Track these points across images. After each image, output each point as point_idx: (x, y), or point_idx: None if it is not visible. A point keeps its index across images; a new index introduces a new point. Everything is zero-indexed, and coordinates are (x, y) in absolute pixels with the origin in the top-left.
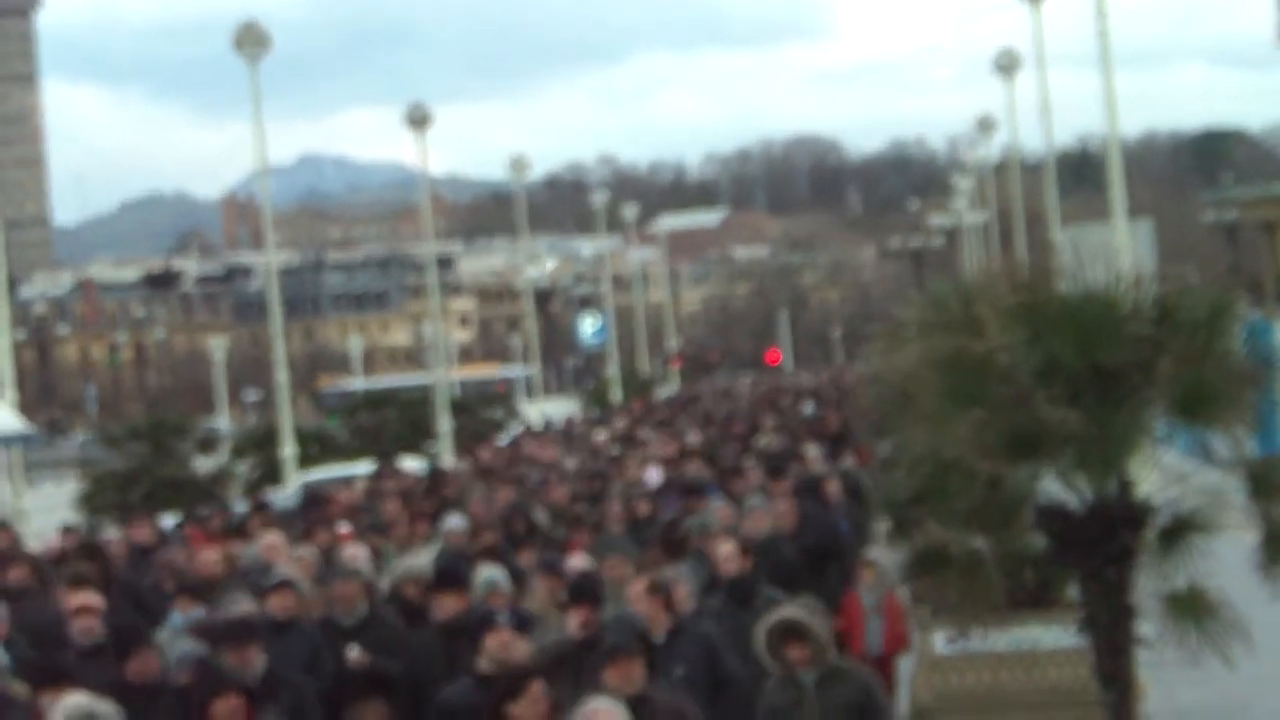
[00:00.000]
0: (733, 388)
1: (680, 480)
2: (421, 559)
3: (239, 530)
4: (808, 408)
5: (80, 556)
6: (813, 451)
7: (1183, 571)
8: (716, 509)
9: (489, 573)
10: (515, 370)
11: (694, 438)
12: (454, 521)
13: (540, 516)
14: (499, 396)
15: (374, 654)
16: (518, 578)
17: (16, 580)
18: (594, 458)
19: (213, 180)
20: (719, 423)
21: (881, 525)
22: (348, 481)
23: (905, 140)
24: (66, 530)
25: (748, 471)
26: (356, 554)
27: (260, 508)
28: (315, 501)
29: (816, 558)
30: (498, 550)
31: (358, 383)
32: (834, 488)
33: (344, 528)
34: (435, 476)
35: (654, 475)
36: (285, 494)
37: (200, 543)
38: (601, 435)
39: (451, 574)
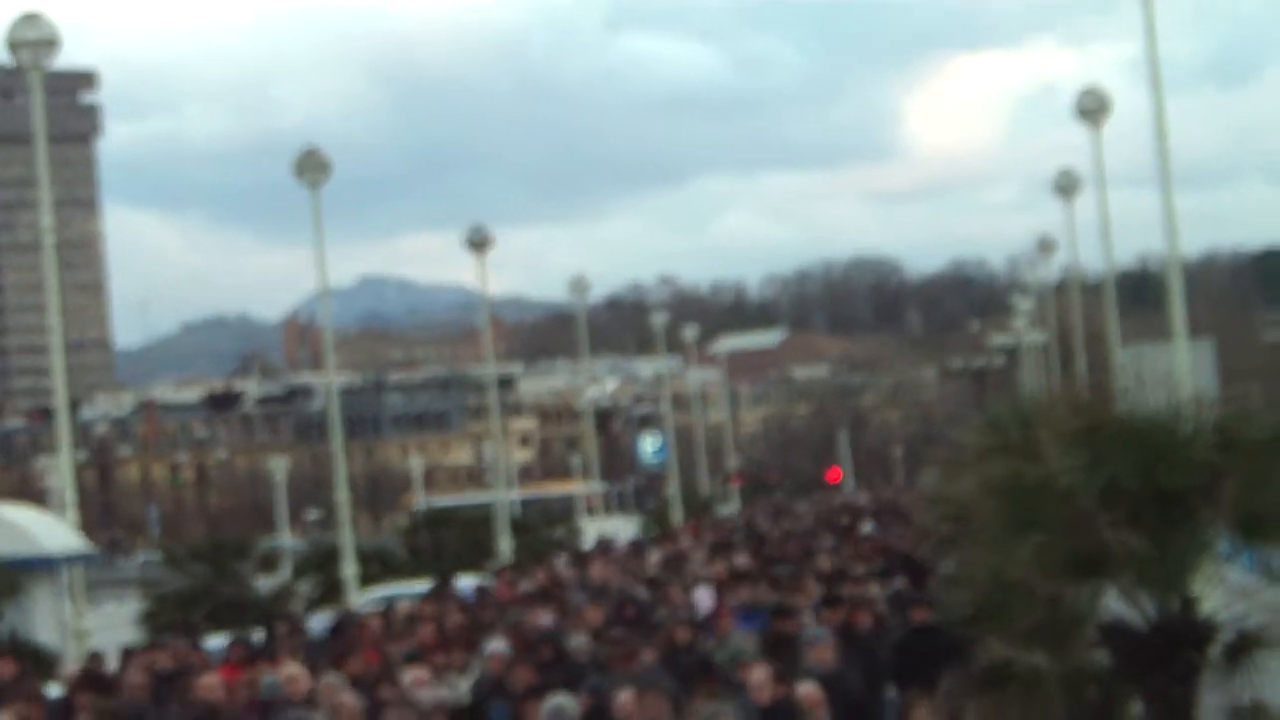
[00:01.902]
0: (791, 507)
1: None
2: (449, 691)
3: (267, 655)
4: (866, 528)
5: (86, 689)
6: (860, 571)
7: (1247, 689)
8: (745, 635)
9: (555, 701)
10: (595, 486)
11: (742, 559)
12: (494, 646)
13: (579, 641)
14: (561, 516)
15: None
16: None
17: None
18: (636, 580)
19: (274, 302)
20: (775, 543)
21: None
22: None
23: (966, 260)
24: (92, 656)
25: (803, 591)
26: (418, 676)
27: (292, 633)
28: (347, 626)
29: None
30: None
31: (445, 500)
32: (864, 618)
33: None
34: (480, 598)
35: (704, 597)
36: (319, 618)
37: (230, 671)
38: (655, 556)
39: (474, 711)
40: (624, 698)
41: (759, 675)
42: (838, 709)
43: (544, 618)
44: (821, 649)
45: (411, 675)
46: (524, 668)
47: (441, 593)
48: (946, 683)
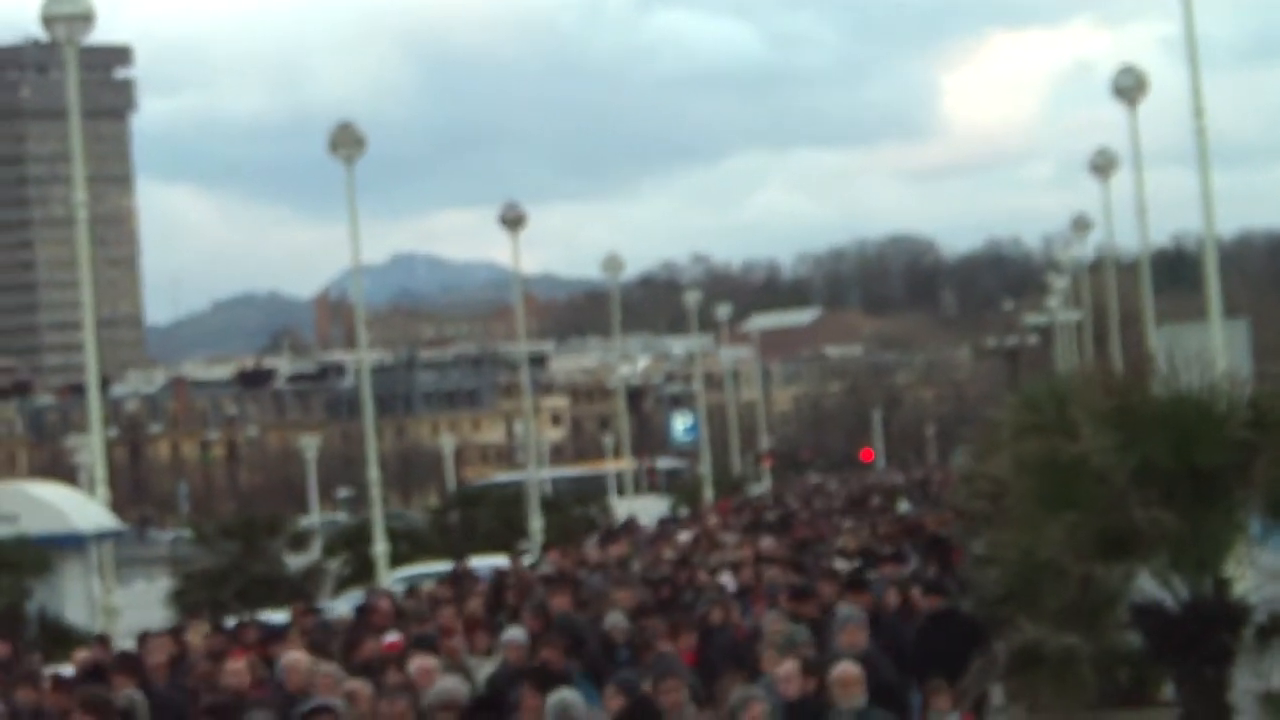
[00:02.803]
0: (822, 486)
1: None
2: (470, 676)
3: (282, 638)
4: (902, 507)
5: (118, 670)
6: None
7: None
8: (769, 620)
9: (562, 695)
10: (668, 461)
11: (768, 543)
12: (514, 633)
13: (617, 620)
14: (593, 494)
15: None
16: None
17: (26, 700)
18: (659, 562)
19: (306, 279)
20: (805, 524)
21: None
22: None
23: (1000, 239)
24: (99, 640)
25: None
26: (425, 665)
27: (306, 614)
28: (368, 610)
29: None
30: (561, 671)
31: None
32: (891, 597)
33: (392, 637)
34: (500, 580)
35: (728, 581)
36: (335, 602)
37: (239, 653)
38: (684, 536)
39: (487, 705)
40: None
41: (788, 668)
42: (871, 692)
43: (561, 602)
44: (853, 631)
45: (417, 664)
46: (553, 649)
47: (461, 574)
48: (971, 670)
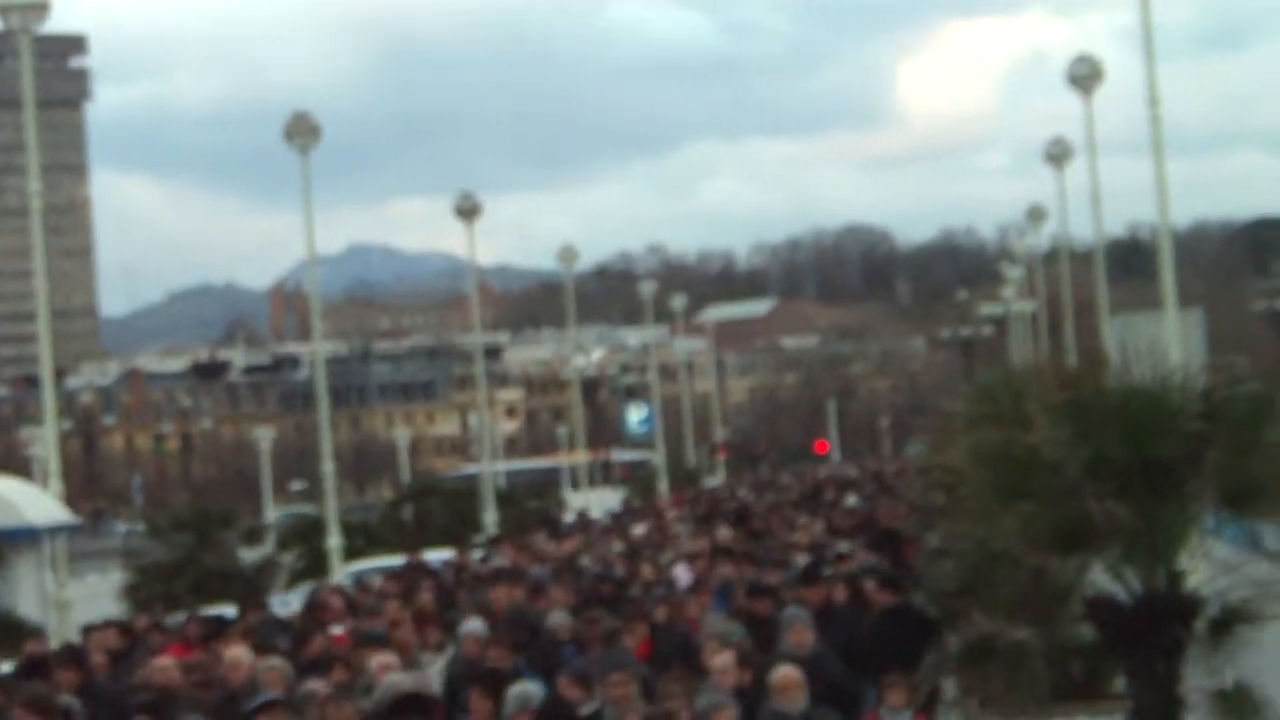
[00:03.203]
0: (776, 479)
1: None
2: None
3: (227, 634)
4: (850, 501)
5: (61, 664)
6: (846, 549)
7: (1231, 664)
8: (709, 621)
9: (520, 688)
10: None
11: (725, 533)
12: (472, 626)
13: (559, 619)
14: (548, 487)
15: None
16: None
17: None
18: (606, 556)
19: (261, 270)
20: (760, 516)
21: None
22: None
23: (955, 229)
24: (34, 637)
25: (777, 572)
26: (385, 662)
27: (254, 609)
28: (316, 606)
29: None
30: (508, 671)
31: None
32: (840, 592)
33: (337, 630)
34: (448, 574)
35: (683, 574)
36: (288, 596)
37: (178, 649)
38: (639, 529)
39: (418, 702)
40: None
41: (724, 659)
42: (817, 692)
43: (512, 595)
44: (799, 631)
45: (378, 660)
46: (500, 649)
47: (412, 568)
48: (924, 665)
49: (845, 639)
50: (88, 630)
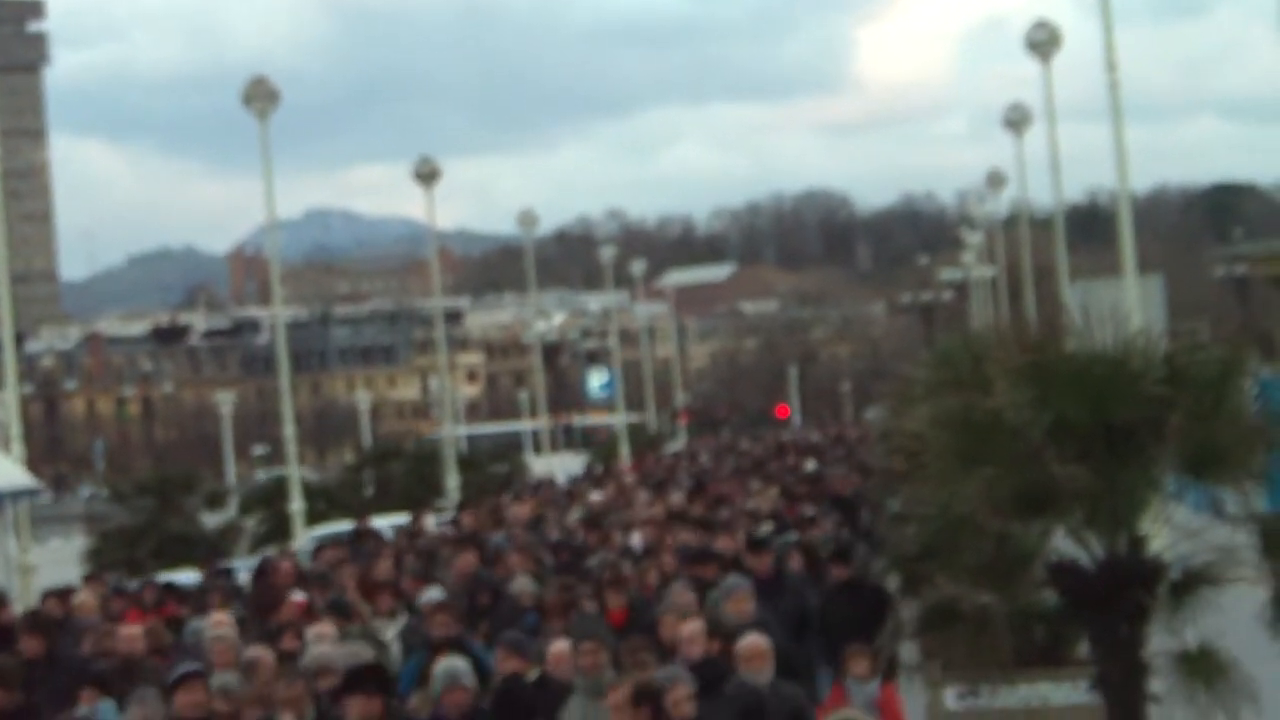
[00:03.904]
0: (736, 444)
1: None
2: (378, 639)
3: (193, 602)
4: (809, 466)
5: (28, 631)
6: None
7: (1193, 628)
8: (676, 592)
9: (447, 664)
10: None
11: (678, 499)
12: (431, 595)
13: (524, 584)
14: (507, 452)
15: None
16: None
17: None
18: (562, 522)
19: (221, 234)
20: (717, 482)
21: (891, 582)
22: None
23: (915, 194)
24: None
25: (726, 537)
26: (323, 632)
27: (219, 575)
28: (268, 571)
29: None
30: (458, 640)
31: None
32: (795, 560)
33: (298, 596)
34: (410, 539)
35: (636, 540)
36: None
37: (134, 616)
38: (597, 495)
39: (362, 675)
40: (557, 648)
41: (693, 628)
42: None
43: (467, 562)
44: (738, 599)
45: (315, 630)
46: (445, 616)
47: (362, 533)
48: (882, 636)
49: (798, 609)
50: (46, 595)
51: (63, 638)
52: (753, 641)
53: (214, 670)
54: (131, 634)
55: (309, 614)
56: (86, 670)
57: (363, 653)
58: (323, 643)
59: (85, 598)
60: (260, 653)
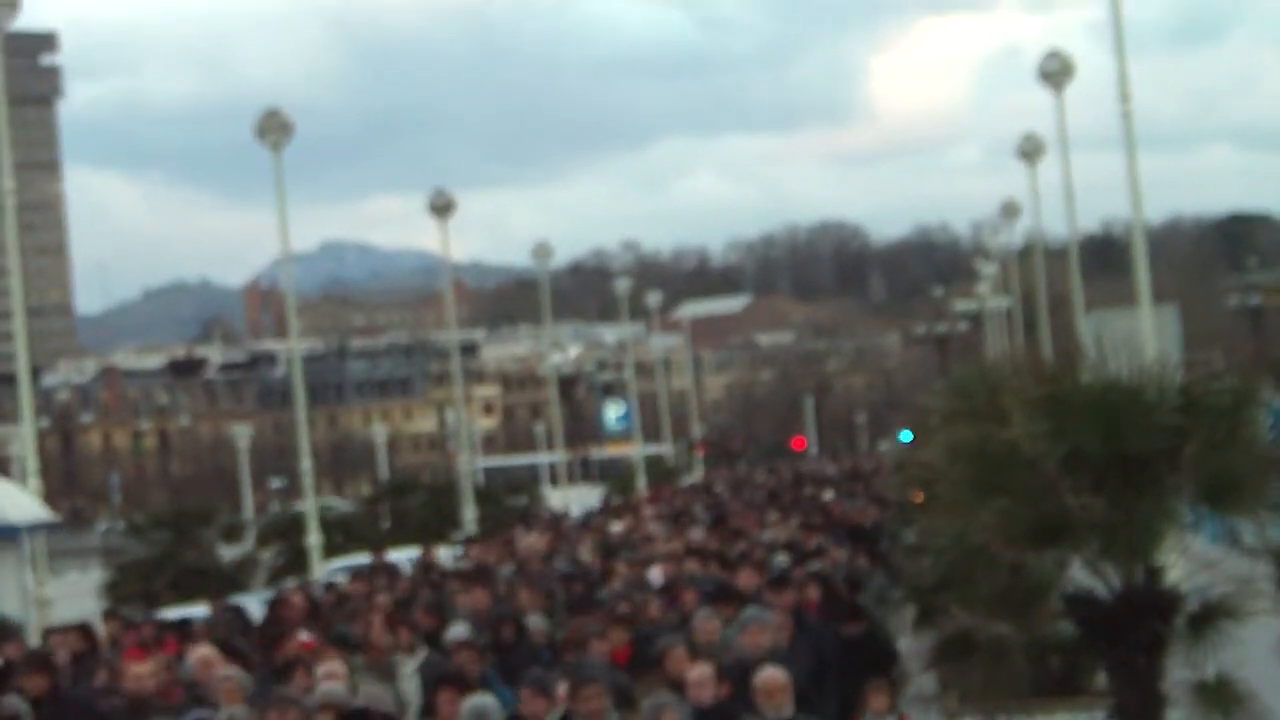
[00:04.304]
0: (752, 476)
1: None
2: (394, 674)
3: (191, 635)
4: (827, 496)
5: (30, 669)
6: (828, 547)
7: (1212, 659)
8: (701, 619)
9: (476, 702)
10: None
11: (697, 533)
12: (458, 631)
13: (536, 622)
14: (525, 484)
15: None
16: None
17: None
18: (572, 555)
19: (236, 267)
20: (735, 514)
21: (907, 613)
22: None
23: (929, 225)
24: (14, 638)
25: (747, 572)
26: (334, 671)
27: (228, 611)
28: (280, 606)
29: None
30: (481, 676)
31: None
32: (812, 593)
33: (304, 636)
34: (424, 573)
35: (656, 576)
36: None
37: (136, 653)
38: (615, 527)
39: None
40: (561, 690)
41: (701, 672)
42: None
43: (476, 597)
44: (755, 632)
45: (325, 668)
46: (469, 653)
47: (377, 567)
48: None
49: (817, 646)
50: (48, 633)
51: (78, 674)
52: (770, 675)
53: (221, 709)
54: (140, 672)
55: (320, 650)
56: (91, 711)
57: (382, 695)
58: (332, 680)
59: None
60: (231, 671)
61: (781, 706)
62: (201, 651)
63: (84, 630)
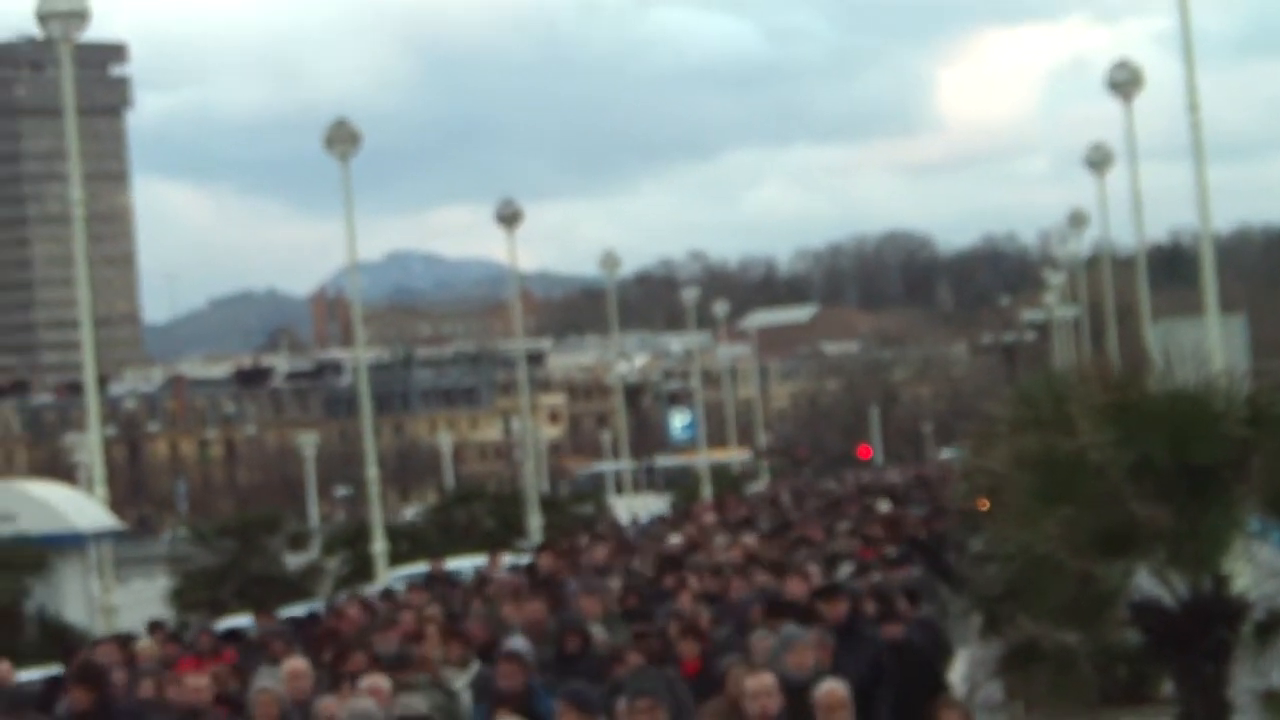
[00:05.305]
0: (817, 485)
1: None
2: (446, 688)
3: (253, 649)
4: (883, 507)
5: (76, 682)
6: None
7: (1279, 667)
8: (759, 640)
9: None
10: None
11: (751, 540)
12: (515, 643)
13: (597, 632)
14: (590, 493)
15: None
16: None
17: None
18: (633, 565)
19: (303, 277)
20: (798, 524)
21: (974, 622)
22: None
23: (997, 235)
24: (71, 645)
25: (795, 580)
26: (377, 686)
27: (279, 623)
28: (335, 617)
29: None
30: (528, 693)
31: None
32: (869, 606)
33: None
34: (479, 584)
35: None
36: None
37: (189, 664)
38: (676, 537)
39: None
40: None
41: (764, 682)
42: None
43: (536, 609)
44: (800, 652)
45: (369, 683)
46: (512, 666)
47: (436, 577)
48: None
49: (872, 659)
50: (95, 645)
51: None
52: (830, 689)
53: None
54: (197, 685)
55: (376, 663)
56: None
57: (415, 705)
58: (373, 696)
59: (146, 645)
60: (269, 683)
61: None
62: (294, 664)
63: (120, 641)
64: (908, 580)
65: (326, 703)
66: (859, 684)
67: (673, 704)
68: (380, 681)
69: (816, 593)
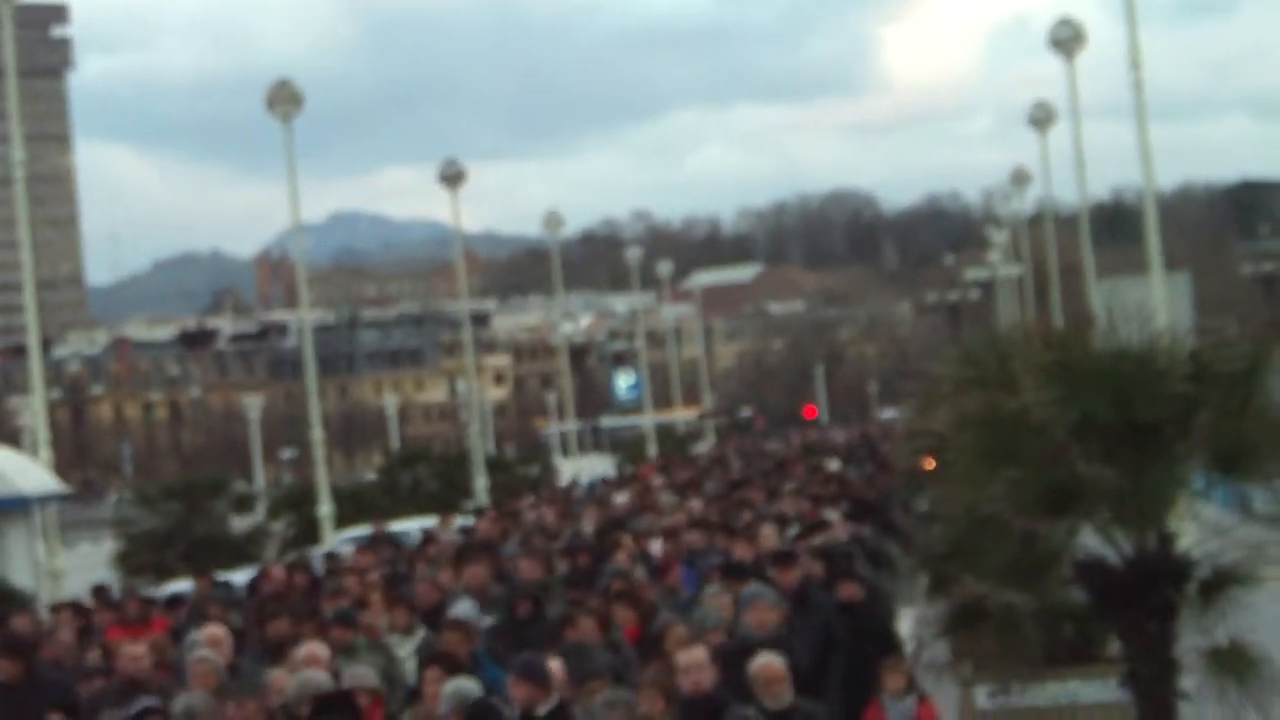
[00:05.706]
0: (762, 445)
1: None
2: (390, 655)
3: (193, 613)
4: (832, 465)
5: (2, 656)
6: (833, 518)
7: (1223, 625)
8: (712, 596)
9: (457, 685)
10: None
11: (696, 504)
12: (463, 607)
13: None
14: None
15: None
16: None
17: None
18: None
19: (247, 238)
20: (737, 484)
21: (920, 581)
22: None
23: (940, 194)
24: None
25: (742, 545)
26: (315, 653)
27: (216, 587)
28: (263, 582)
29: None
30: (472, 656)
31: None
32: (815, 568)
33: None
34: (423, 546)
35: (657, 549)
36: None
37: (120, 631)
38: (621, 497)
39: (331, 703)
40: (553, 666)
41: (695, 656)
42: None
43: (477, 572)
44: (760, 609)
45: (306, 651)
46: (459, 635)
47: (378, 539)
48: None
49: (822, 624)
50: (54, 609)
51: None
52: (766, 664)
53: (191, 690)
54: (135, 653)
55: (320, 627)
56: (68, 696)
57: (366, 676)
58: (311, 665)
59: (58, 622)
60: (206, 654)
61: (780, 696)
62: (211, 630)
63: (77, 607)
64: (859, 539)
65: (276, 674)
66: (811, 648)
67: (615, 673)
68: (318, 649)
69: (772, 557)
